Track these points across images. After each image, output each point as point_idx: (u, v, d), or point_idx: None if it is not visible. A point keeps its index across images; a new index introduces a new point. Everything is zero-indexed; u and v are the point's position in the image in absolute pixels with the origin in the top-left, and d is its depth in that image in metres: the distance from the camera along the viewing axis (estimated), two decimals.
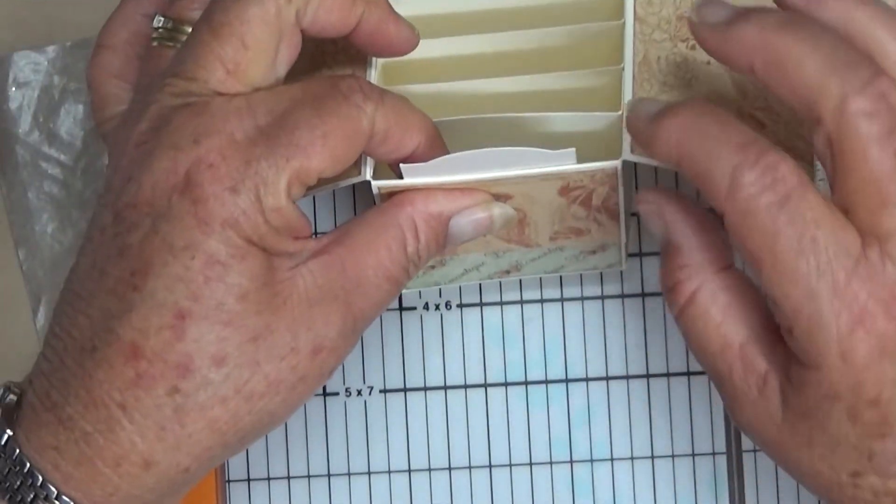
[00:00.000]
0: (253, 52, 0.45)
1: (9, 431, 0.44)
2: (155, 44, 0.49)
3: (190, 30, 0.48)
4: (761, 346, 0.44)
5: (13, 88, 0.61)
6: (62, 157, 0.61)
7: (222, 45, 0.44)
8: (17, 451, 0.44)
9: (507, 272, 0.55)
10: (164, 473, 0.44)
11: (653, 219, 0.46)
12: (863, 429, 0.42)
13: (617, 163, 0.47)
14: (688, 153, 0.43)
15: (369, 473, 0.58)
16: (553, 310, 0.58)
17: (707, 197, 0.43)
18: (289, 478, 0.58)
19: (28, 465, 0.44)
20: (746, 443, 0.57)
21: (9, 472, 0.44)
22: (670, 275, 0.46)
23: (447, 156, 0.47)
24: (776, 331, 0.44)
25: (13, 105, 0.61)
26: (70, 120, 0.61)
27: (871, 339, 0.42)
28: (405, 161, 0.47)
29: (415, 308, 0.58)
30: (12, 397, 0.45)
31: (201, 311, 0.43)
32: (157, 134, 0.44)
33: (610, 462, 0.57)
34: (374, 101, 0.45)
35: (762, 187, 0.42)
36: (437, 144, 0.48)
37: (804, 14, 0.44)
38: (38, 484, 0.44)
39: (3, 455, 0.44)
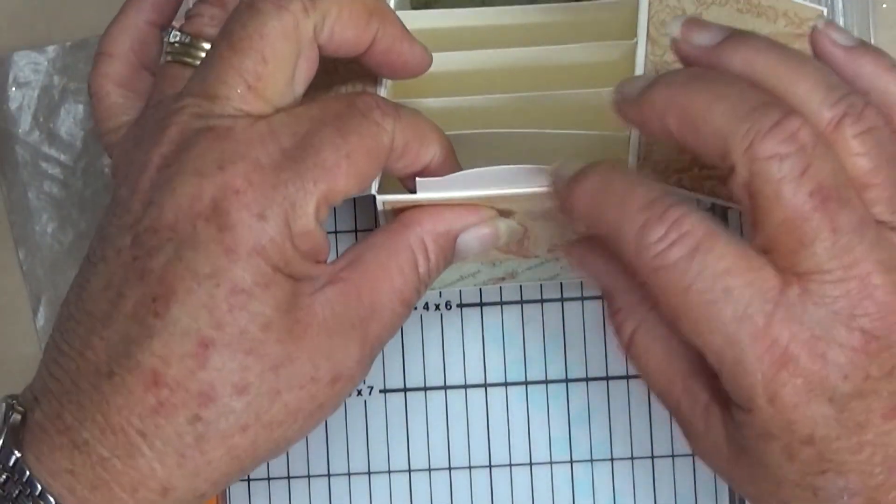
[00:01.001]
0: (273, 66, 0.44)
1: (17, 453, 0.44)
2: (169, 58, 0.49)
3: (206, 46, 0.48)
4: (704, 378, 0.45)
5: (13, 88, 0.61)
6: (62, 157, 0.61)
7: (242, 59, 0.44)
8: (28, 473, 0.43)
9: (503, 279, 0.55)
10: (181, 498, 0.44)
11: (579, 270, 0.47)
12: (801, 466, 0.42)
13: None
14: (598, 217, 0.44)
15: (369, 473, 0.58)
16: (553, 310, 0.58)
17: (622, 258, 0.43)
18: (289, 478, 0.58)
19: (40, 487, 0.43)
20: None
21: (19, 494, 0.44)
22: (610, 319, 0.47)
23: (462, 172, 0.47)
24: None
25: (13, 105, 0.61)
26: (70, 120, 0.61)
27: (796, 380, 0.42)
28: (419, 174, 0.47)
29: (415, 308, 0.58)
30: (17, 416, 0.44)
31: (224, 339, 0.43)
32: (178, 158, 0.44)
33: (610, 462, 0.57)
34: (391, 116, 0.45)
35: (669, 243, 0.42)
36: (451, 157, 0.48)
37: (710, 66, 0.44)
38: None
39: (12, 477, 0.44)
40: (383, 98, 0.46)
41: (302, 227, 0.43)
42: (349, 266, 0.46)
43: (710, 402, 0.44)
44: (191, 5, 0.50)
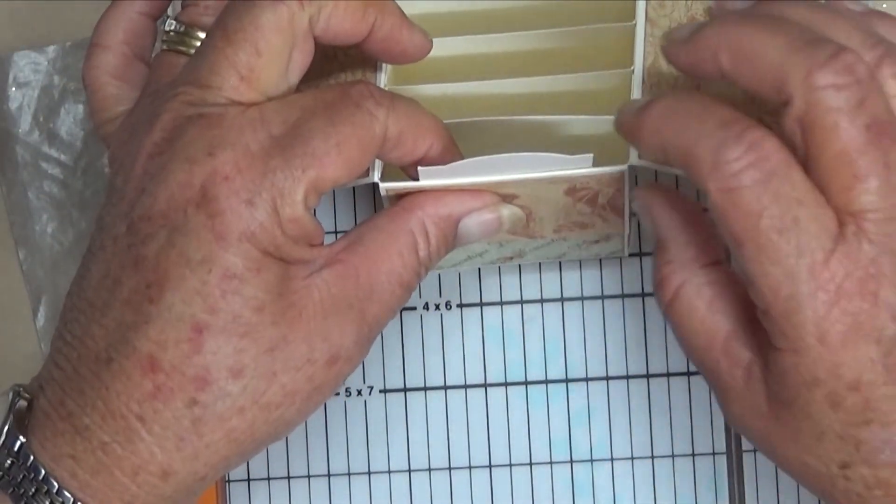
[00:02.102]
0: (266, 59, 0.45)
1: (22, 438, 0.44)
2: (165, 47, 0.49)
3: (201, 35, 0.48)
4: (746, 338, 0.44)
5: (13, 88, 0.61)
6: (62, 157, 0.61)
7: (236, 51, 0.44)
8: (32, 457, 0.44)
9: (511, 258, 0.55)
10: (182, 482, 0.44)
11: (643, 215, 0.47)
12: (846, 416, 0.42)
13: (624, 167, 0.47)
14: (671, 137, 0.43)
15: (369, 473, 0.58)
16: (553, 310, 0.58)
17: (692, 178, 0.43)
18: (289, 478, 0.58)
19: (43, 472, 0.44)
20: (746, 443, 0.57)
21: (23, 478, 0.44)
22: (658, 270, 0.46)
23: (465, 160, 0.47)
24: (760, 322, 0.44)
25: (13, 105, 0.61)
26: (70, 120, 0.61)
27: (847, 318, 0.41)
28: (418, 164, 0.47)
29: (415, 308, 0.58)
30: (23, 403, 0.45)
31: (218, 323, 0.43)
32: (171, 146, 0.44)
33: (610, 462, 0.57)
34: (385, 106, 0.45)
35: (746, 164, 0.42)
36: (449, 146, 0.48)
37: (765, 5, 0.44)
38: (54, 491, 0.44)
39: (16, 461, 0.44)
40: (378, 87, 0.46)
41: (290, 214, 0.44)
42: (348, 248, 0.46)
43: (753, 360, 0.44)
44: None
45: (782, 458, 0.44)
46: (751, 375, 0.44)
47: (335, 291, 0.45)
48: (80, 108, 0.61)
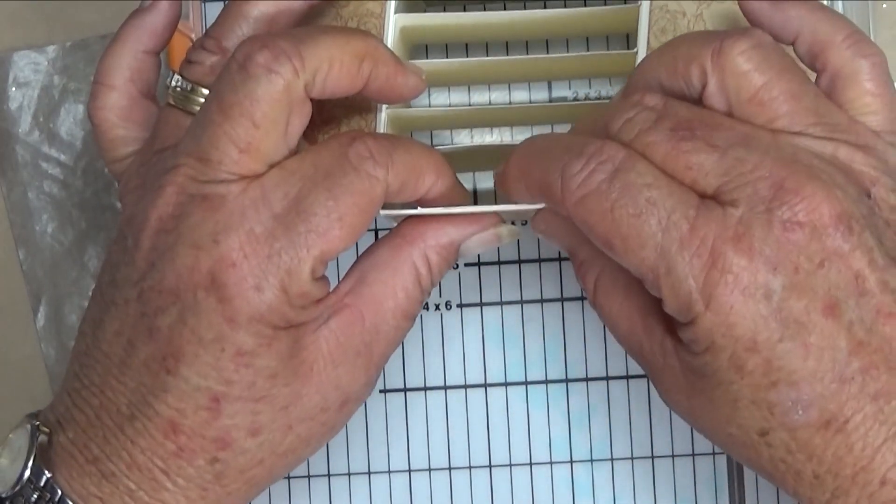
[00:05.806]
0: (263, 130, 0.45)
1: (48, 473, 0.45)
2: (171, 101, 0.49)
3: (206, 92, 0.48)
4: (658, 313, 0.45)
5: (13, 88, 0.61)
6: (62, 157, 0.61)
7: (233, 125, 0.44)
8: (60, 493, 0.45)
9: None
10: None
11: (549, 239, 0.48)
12: (752, 379, 0.42)
13: None
14: (528, 175, 0.45)
15: (369, 473, 0.58)
16: (553, 310, 0.58)
17: (555, 207, 0.44)
18: (289, 478, 0.58)
19: None
20: None
21: None
22: (578, 277, 0.47)
23: (465, 208, 0.48)
24: None
25: (13, 105, 0.61)
26: (70, 120, 0.61)
27: (727, 276, 0.42)
28: (419, 202, 0.48)
29: None
30: (44, 438, 0.46)
31: (234, 392, 0.44)
32: (177, 226, 0.45)
33: (610, 462, 0.57)
34: (384, 165, 0.45)
35: (589, 171, 0.43)
36: (451, 183, 0.48)
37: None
38: None
39: (43, 496, 0.45)
40: (376, 141, 0.46)
41: (298, 290, 0.44)
42: (352, 291, 0.47)
43: (665, 334, 0.45)
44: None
45: (710, 432, 0.45)
46: (666, 351, 0.45)
47: (343, 339, 0.46)
48: (80, 108, 0.61)
